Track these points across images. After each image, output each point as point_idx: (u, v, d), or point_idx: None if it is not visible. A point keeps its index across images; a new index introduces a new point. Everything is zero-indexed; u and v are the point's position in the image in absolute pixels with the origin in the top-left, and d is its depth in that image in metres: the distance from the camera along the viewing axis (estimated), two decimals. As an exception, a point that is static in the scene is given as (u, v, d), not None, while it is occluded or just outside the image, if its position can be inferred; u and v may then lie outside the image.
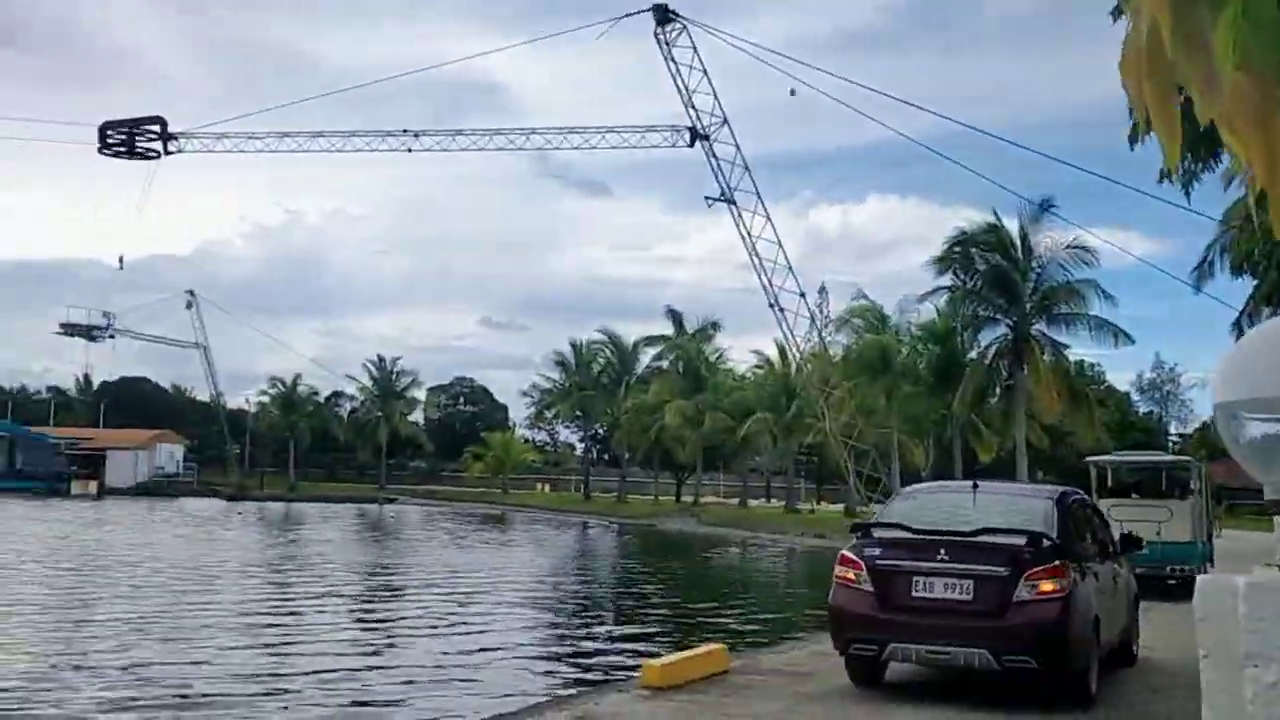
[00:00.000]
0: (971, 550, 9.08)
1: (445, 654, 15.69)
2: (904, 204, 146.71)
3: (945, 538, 9.24)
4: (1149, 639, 12.15)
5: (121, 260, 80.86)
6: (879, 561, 9.30)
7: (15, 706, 11.28)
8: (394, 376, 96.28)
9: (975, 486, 10.62)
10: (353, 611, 20.94)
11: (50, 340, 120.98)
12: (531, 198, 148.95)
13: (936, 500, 11.08)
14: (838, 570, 9.62)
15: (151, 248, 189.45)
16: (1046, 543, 9.11)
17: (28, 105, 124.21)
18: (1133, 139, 19.49)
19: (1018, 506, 10.30)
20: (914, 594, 9.06)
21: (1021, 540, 9.08)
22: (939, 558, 9.06)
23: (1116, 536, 11.94)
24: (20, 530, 38.42)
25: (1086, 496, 13.06)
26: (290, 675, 13.58)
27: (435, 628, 18.50)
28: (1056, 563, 8.97)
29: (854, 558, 9.47)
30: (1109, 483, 22.39)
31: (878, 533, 9.76)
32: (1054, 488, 11.59)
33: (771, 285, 27.48)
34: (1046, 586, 8.83)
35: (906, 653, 9.29)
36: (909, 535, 9.45)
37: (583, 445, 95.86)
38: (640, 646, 16.55)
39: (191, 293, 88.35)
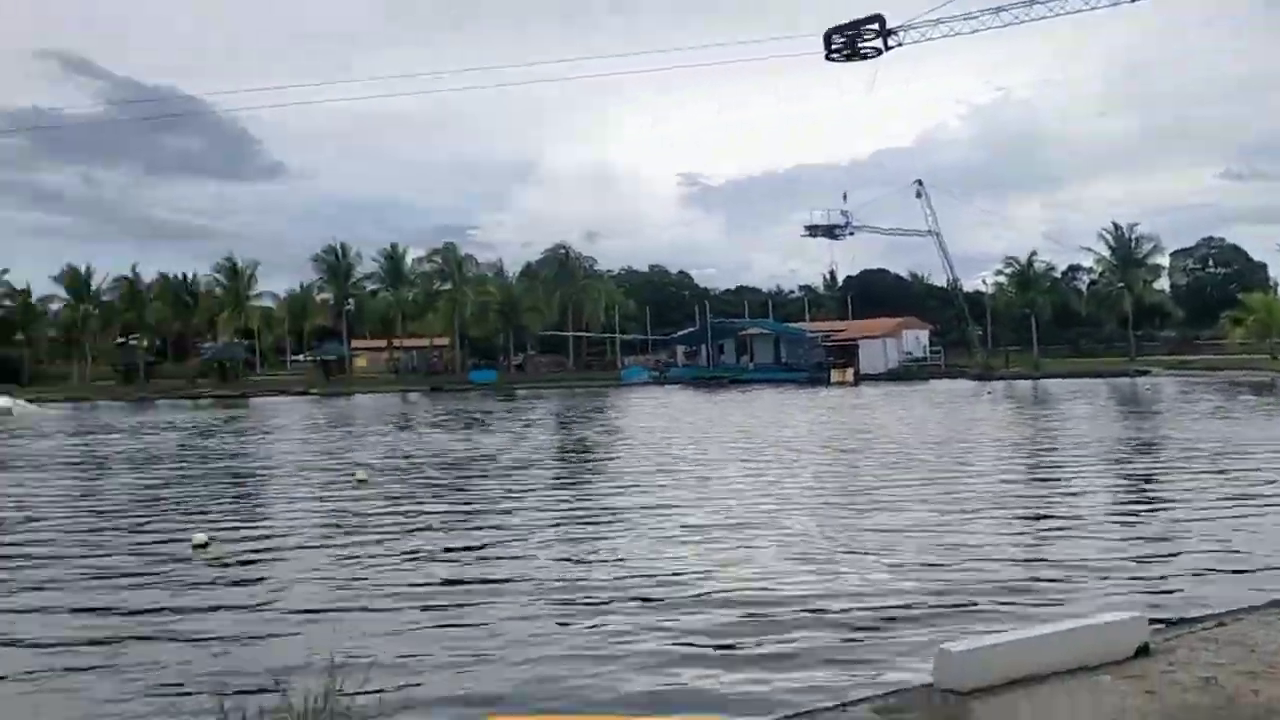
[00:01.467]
0: None
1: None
2: None
3: None
4: None
5: (845, 196, 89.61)
6: None
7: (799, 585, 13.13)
8: (1133, 244, 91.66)
9: None
10: (1119, 492, 20.80)
11: (796, 242, 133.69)
12: (1259, 29, 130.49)
13: None
14: None
15: (875, 143, 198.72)
16: None
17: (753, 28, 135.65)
18: None
19: None
20: None
21: None
22: None
23: None
24: (798, 417, 43.51)
25: None
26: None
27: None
28: None
29: None
30: None
31: None
32: None
33: None
34: None
35: None
36: None
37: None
38: None
39: (920, 182, 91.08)
